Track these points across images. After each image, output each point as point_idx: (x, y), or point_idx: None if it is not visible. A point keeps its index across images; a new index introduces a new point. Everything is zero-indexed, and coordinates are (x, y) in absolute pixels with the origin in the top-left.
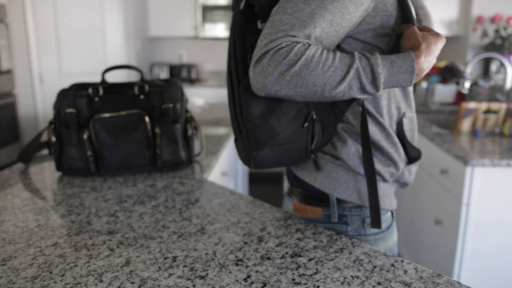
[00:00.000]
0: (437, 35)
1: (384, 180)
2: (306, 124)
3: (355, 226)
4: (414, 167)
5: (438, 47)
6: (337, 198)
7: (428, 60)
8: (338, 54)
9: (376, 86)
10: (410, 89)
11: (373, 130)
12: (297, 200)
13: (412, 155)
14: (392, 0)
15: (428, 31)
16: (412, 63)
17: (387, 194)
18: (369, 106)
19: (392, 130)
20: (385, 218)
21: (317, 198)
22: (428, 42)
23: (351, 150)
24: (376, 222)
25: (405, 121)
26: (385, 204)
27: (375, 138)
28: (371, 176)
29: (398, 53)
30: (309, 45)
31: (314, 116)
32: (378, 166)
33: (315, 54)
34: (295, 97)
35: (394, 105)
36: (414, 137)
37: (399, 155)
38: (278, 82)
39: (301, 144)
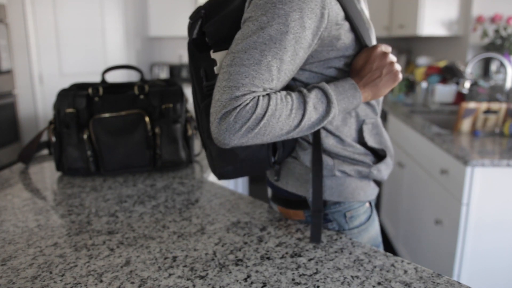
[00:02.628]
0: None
1: (351, 176)
2: (265, 144)
3: (338, 222)
4: (382, 165)
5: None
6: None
7: (372, 86)
8: (293, 95)
9: (331, 105)
10: None
11: (331, 143)
12: (279, 205)
13: (381, 153)
14: (346, 31)
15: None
16: (352, 81)
17: (360, 186)
18: None
19: (352, 139)
20: (364, 209)
21: (295, 201)
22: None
23: (309, 157)
24: (315, 229)
25: (366, 128)
26: (359, 196)
27: (334, 150)
28: (315, 174)
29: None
30: (269, 95)
31: None
32: (343, 166)
33: (277, 102)
34: (262, 142)
35: (350, 114)
36: (383, 139)
37: (366, 156)
38: (246, 136)
39: (263, 157)
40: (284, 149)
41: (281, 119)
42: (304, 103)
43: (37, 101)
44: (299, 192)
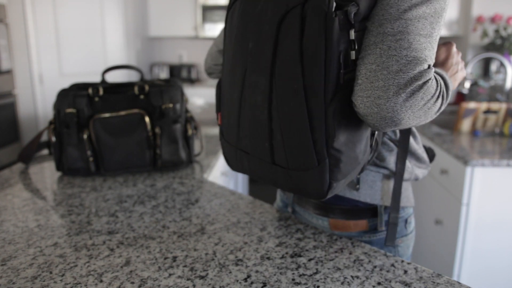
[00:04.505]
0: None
1: (417, 179)
2: (373, 144)
3: (399, 228)
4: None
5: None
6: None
7: (453, 79)
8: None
9: (449, 92)
10: None
11: (411, 140)
12: (336, 218)
13: (431, 153)
14: None
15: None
16: (446, 73)
17: (410, 190)
18: None
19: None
20: (411, 212)
21: (360, 210)
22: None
23: (395, 158)
24: (393, 222)
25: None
26: (412, 201)
27: (412, 146)
28: (399, 178)
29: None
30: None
31: (376, 133)
32: (418, 170)
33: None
34: (420, 123)
35: None
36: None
37: (426, 155)
38: (419, 115)
39: (366, 160)
40: (377, 149)
41: (438, 99)
42: (447, 88)
43: (37, 101)
44: (373, 201)
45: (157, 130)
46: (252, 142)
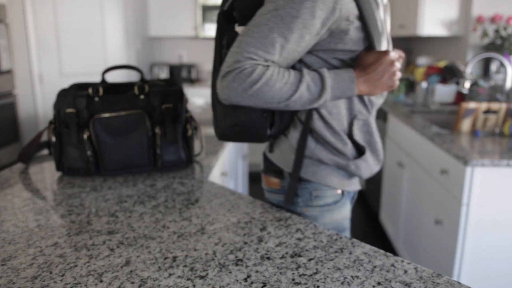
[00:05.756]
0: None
1: (327, 164)
2: (265, 114)
3: (304, 198)
4: (362, 163)
5: (382, 81)
6: (289, 173)
7: (370, 84)
8: (292, 72)
9: (324, 91)
10: (372, 96)
11: (320, 126)
12: (264, 173)
13: (360, 151)
14: (355, 28)
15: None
16: (352, 74)
17: (335, 174)
18: None
19: (340, 128)
20: (332, 193)
21: (275, 170)
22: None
23: (298, 135)
24: (289, 193)
25: (357, 123)
26: (331, 182)
27: (320, 132)
28: (299, 152)
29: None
30: (268, 66)
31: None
32: (322, 154)
33: (273, 73)
34: (253, 106)
35: (344, 106)
36: (372, 139)
37: (347, 150)
38: (241, 96)
39: (260, 126)
40: (281, 124)
41: (273, 89)
42: (299, 81)
43: (37, 101)
44: (280, 165)
45: (157, 130)
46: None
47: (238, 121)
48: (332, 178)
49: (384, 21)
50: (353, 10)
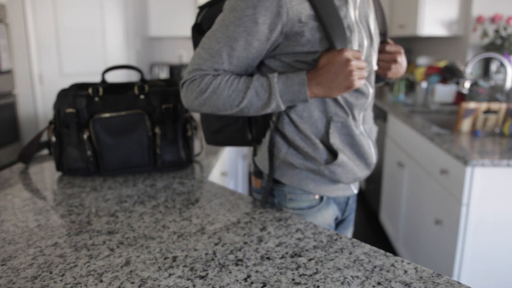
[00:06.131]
0: (348, 73)
1: (300, 168)
2: (240, 120)
3: (279, 199)
4: (336, 168)
5: (338, 80)
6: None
7: (325, 86)
8: (243, 78)
9: (272, 96)
10: (348, 97)
11: (290, 130)
12: (253, 174)
13: (333, 155)
14: (311, 29)
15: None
16: (304, 77)
17: (312, 179)
18: (287, 109)
19: (312, 132)
20: (307, 198)
21: (257, 171)
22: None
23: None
24: (265, 193)
25: (334, 125)
26: (307, 187)
27: (290, 137)
28: (270, 154)
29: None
30: (217, 75)
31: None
32: (293, 158)
33: (221, 82)
34: (212, 113)
35: (318, 109)
36: (354, 142)
37: (318, 154)
38: (196, 105)
39: (237, 131)
40: (256, 128)
41: (222, 96)
42: (247, 88)
43: (37, 101)
44: (260, 167)
45: (157, 130)
46: None
47: (215, 128)
48: (307, 182)
49: (362, 16)
50: (304, 11)
